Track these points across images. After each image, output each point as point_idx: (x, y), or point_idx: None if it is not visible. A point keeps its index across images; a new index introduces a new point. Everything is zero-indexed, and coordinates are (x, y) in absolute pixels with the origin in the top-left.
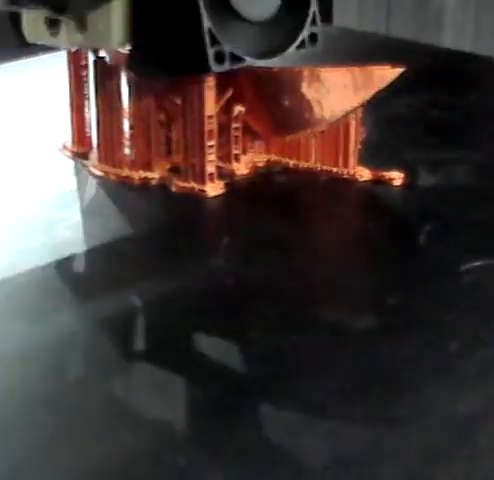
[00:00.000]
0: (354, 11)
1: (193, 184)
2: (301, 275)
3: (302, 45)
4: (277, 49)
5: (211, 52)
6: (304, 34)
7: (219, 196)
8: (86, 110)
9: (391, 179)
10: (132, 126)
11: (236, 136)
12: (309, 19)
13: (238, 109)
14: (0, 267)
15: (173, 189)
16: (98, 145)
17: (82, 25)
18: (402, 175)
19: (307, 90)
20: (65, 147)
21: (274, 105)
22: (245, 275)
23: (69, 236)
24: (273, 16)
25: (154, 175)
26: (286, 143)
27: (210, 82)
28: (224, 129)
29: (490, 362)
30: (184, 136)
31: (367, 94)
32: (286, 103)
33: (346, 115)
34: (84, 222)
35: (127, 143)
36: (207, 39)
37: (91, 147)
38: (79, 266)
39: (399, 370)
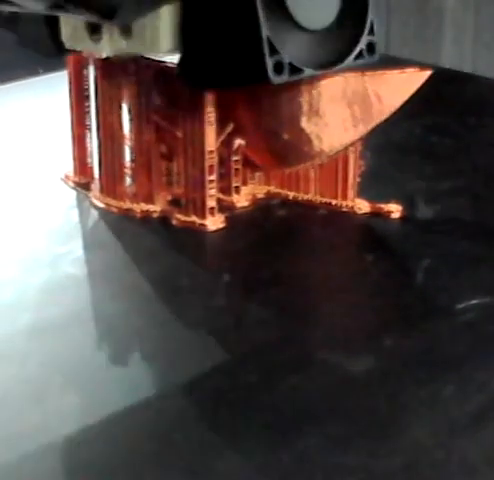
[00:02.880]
0: None
1: (194, 218)
2: (299, 315)
3: (360, 55)
4: (336, 59)
5: (270, 62)
6: (362, 44)
7: (220, 230)
8: (88, 140)
9: (389, 212)
10: (133, 159)
11: (236, 169)
12: (367, 28)
13: (238, 142)
14: (4, 304)
15: (174, 223)
16: (100, 177)
17: (127, 31)
18: (400, 208)
19: (306, 124)
20: (67, 177)
21: (274, 139)
22: (244, 314)
23: (72, 272)
24: (330, 25)
25: (155, 208)
26: (286, 175)
27: (211, 117)
28: (224, 161)
29: (486, 407)
30: (185, 170)
31: (366, 128)
32: (285, 137)
33: (345, 148)
34: (87, 257)
35: (129, 174)
36: (266, 48)
37: (93, 178)
38: (83, 304)
39: (395, 416)
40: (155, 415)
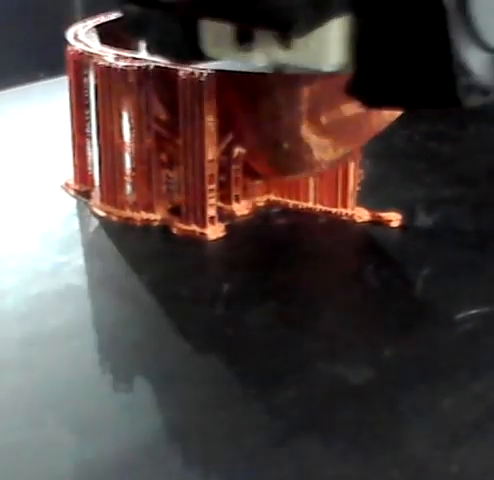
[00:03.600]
0: None
1: (194, 227)
2: (299, 325)
3: None
4: None
5: (462, 84)
6: None
7: (220, 239)
8: (88, 149)
9: (389, 220)
10: (134, 168)
11: (236, 177)
12: None
13: (238, 151)
14: (5, 313)
15: (174, 231)
16: (100, 185)
17: (287, 41)
18: (399, 216)
19: (306, 134)
20: (67, 185)
21: (274, 148)
22: (244, 325)
23: (73, 281)
24: None
25: (156, 217)
26: (286, 183)
27: (211, 127)
28: (224, 170)
29: (484, 418)
30: (185, 179)
31: (365, 137)
32: (286, 146)
33: (345, 158)
34: (87, 266)
35: (129, 182)
36: (458, 70)
37: (93, 185)
38: (83, 314)
39: (394, 427)
40: (155, 426)
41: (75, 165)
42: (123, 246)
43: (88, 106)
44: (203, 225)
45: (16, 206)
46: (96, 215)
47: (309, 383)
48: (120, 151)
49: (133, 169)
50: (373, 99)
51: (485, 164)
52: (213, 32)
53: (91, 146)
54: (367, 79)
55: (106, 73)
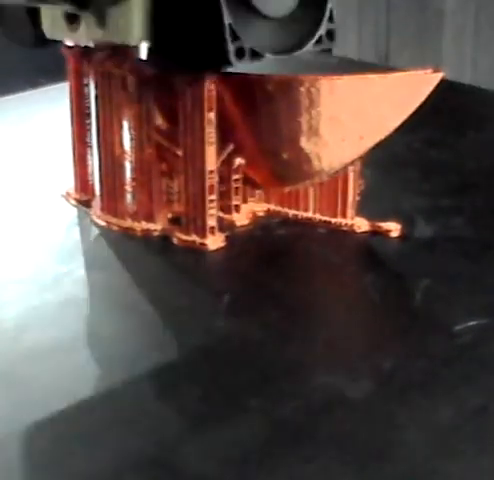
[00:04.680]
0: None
1: (194, 237)
2: (299, 337)
3: (319, 42)
4: (295, 45)
5: (232, 48)
6: (322, 31)
7: (220, 249)
8: (88, 158)
9: (388, 230)
10: (134, 177)
11: (236, 187)
12: (326, 16)
13: (238, 161)
14: (5, 325)
15: (175, 241)
16: (101, 195)
17: (102, 21)
18: (399, 226)
19: (306, 143)
20: (68, 194)
21: (274, 158)
22: (244, 337)
23: (74, 292)
24: (291, 13)
25: (156, 227)
26: (286, 193)
27: (211, 137)
28: (224, 180)
29: (484, 432)
30: (185, 189)
31: (365, 147)
32: (285, 156)
33: (345, 167)
34: (88, 277)
35: (129, 191)
36: (228, 35)
37: (94, 195)
38: (84, 326)
39: (393, 442)
40: (155, 439)
41: (76, 174)
42: (123, 256)
43: (89, 115)
44: (203, 235)
45: (16, 215)
46: (97, 225)
47: (308, 396)
48: (120, 161)
49: (133, 179)
50: (163, 67)
51: (485, 172)
52: (49, 16)
53: (92, 155)
54: (159, 49)
55: (106, 83)
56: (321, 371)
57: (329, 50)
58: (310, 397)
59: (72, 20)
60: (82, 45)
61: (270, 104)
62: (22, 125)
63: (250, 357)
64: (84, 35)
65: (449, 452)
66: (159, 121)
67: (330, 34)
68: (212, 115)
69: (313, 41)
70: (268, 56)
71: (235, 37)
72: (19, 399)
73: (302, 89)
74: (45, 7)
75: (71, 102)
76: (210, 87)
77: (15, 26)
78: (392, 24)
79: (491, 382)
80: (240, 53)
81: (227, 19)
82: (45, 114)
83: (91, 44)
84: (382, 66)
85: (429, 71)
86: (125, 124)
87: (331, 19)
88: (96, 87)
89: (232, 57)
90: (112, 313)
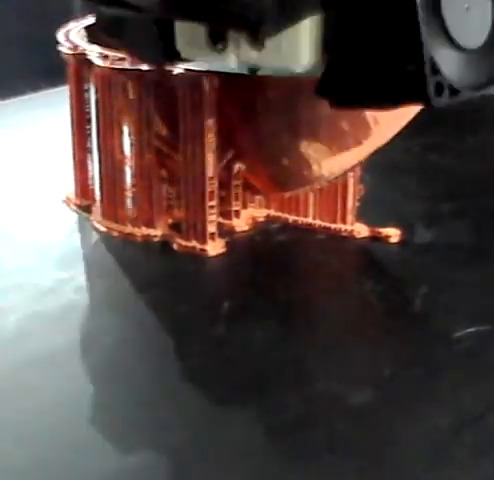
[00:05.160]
0: None
1: (194, 243)
2: (299, 345)
3: None
4: (490, 80)
5: (432, 83)
6: None
7: (220, 255)
8: (89, 163)
9: (388, 236)
10: (134, 183)
11: (236, 193)
12: None
13: (238, 167)
14: (7, 332)
15: (175, 247)
16: (101, 200)
17: (259, 42)
18: (398, 232)
19: (306, 150)
20: (68, 199)
21: (274, 164)
22: (244, 344)
23: (75, 299)
24: (484, 44)
25: (156, 232)
26: (285, 199)
27: (211, 144)
28: (224, 185)
29: (482, 440)
30: (185, 195)
31: (364, 153)
32: (285, 162)
33: (344, 173)
34: (89, 284)
35: (129, 197)
36: (428, 69)
37: (94, 200)
38: (85, 333)
39: (392, 450)
40: (155, 451)
41: (76, 179)
42: (124, 262)
43: (89, 121)
44: (203, 241)
45: (17, 220)
46: (97, 230)
47: (310, 403)
48: (121, 166)
49: (133, 185)
50: (342, 99)
51: (484, 177)
52: (187, 33)
53: (92, 161)
54: (336, 78)
55: (107, 89)
56: (322, 378)
57: None
58: (311, 403)
59: (217, 40)
60: (228, 70)
61: (270, 111)
62: (22, 129)
63: (249, 364)
64: (233, 57)
65: (448, 458)
66: (159, 127)
67: None
68: (212, 122)
69: None
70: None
71: (435, 71)
72: (21, 405)
73: (302, 97)
74: (180, 24)
75: (71, 108)
76: (210, 94)
77: (140, 39)
78: None
79: (490, 389)
80: (439, 89)
81: (428, 51)
82: (45, 118)
83: (240, 69)
84: None
85: None
86: (125, 130)
87: None
88: (96, 93)
89: (431, 93)
90: (112, 320)
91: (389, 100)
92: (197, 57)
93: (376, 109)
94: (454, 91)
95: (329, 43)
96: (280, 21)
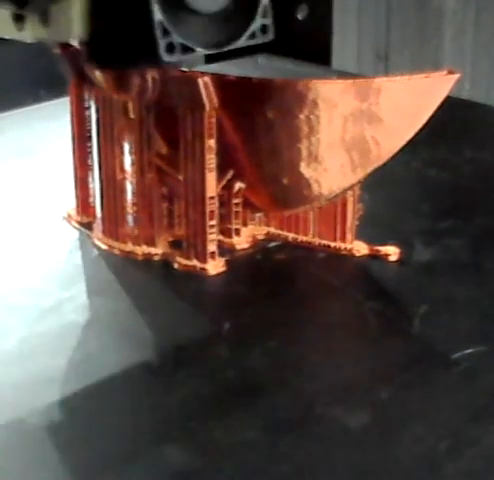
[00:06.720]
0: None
1: (195, 262)
2: (298, 367)
3: (253, 36)
4: (228, 40)
5: (162, 43)
6: (255, 26)
7: (220, 274)
8: (90, 180)
9: (387, 254)
10: (135, 202)
11: (237, 211)
12: (260, 11)
13: (239, 186)
14: (6, 353)
15: (175, 266)
16: (102, 218)
17: (45, 19)
18: (398, 250)
19: (305, 169)
20: (70, 216)
21: (274, 183)
22: (244, 366)
23: (75, 319)
24: (224, 8)
25: (157, 251)
26: (285, 217)
27: (211, 164)
28: (224, 203)
29: (479, 464)
30: (186, 213)
31: (364, 173)
32: (285, 181)
33: (344, 192)
34: (90, 303)
35: (130, 215)
36: (158, 31)
37: (95, 217)
38: (85, 355)
39: (390, 474)
40: (154, 467)
41: (77, 196)
42: (125, 282)
43: (90, 138)
44: (204, 260)
45: (17, 237)
46: (98, 248)
47: (308, 427)
48: (121, 185)
49: (134, 203)
50: (99, 63)
51: (484, 192)
52: None
53: (93, 178)
54: (97, 45)
55: (107, 108)
56: (320, 401)
57: (263, 44)
58: (309, 426)
59: (18, 19)
60: (28, 42)
61: (270, 131)
62: (22, 142)
63: (248, 387)
64: (30, 34)
65: None
66: (160, 146)
67: (264, 29)
68: (212, 142)
69: (246, 35)
70: (199, 51)
71: (165, 33)
72: (23, 427)
73: (302, 116)
74: None
75: (72, 125)
76: (210, 115)
77: None
78: (392, 24)
79: (488, 412)
80: (170, 48)
81: (158, 16)
82: (46, 131)
83: (34, 41)
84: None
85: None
86: (126, 148)
87: (265, 15)
88: (97, 112)
89: (163, 53)
90: (113, 341)
91: (135, 62)
92: (4, 35)
93: (129, 69)
94: (186, 49)
95: (90, 14)
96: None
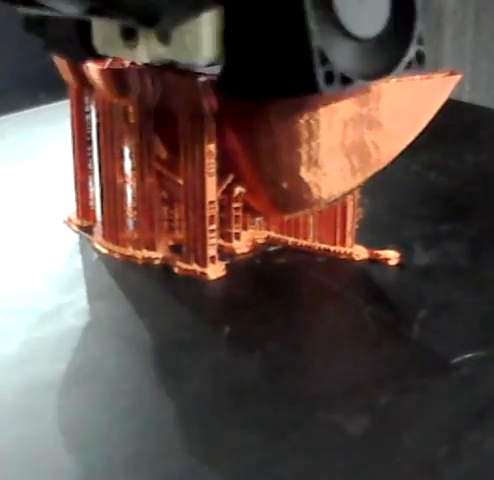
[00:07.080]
0: None
1: (195, 266)
2: (298, 372)
3: (409, 65)
4: (385, 70)
5: (321, 72)
6: (411, 53)
7: (220, 278)
8: (90, 184)
9: (387, 259)
10: (135, 206)
11: (237, 216)
12: (415, 37)
13: (239, 190)
14: (7, 358)
15: (175, 270)
16: (102, 222)
17: (165, 37)
18: (397, 255)
19: (305, 173)
20: (70, 220)
21: (274, 187)
22: (244, 372)
23: (76, 324)
24: (379, 34)
25: (157, 255)
26: (285, 221)
27: (211, 169)
28: (224, 208)
29: (478, 470)
30: (186, 218)
31: (364, 177)
32: (285, 186)
33: (344, 196)
34: (90, 308)
35: (130, 219)
36: (316, 58)
37: (95, 221)
38: (86, 359)
39: (389, 478)
40: (157, 471)
41: (77, 200)
42: (125, 286)
43: (90, 143)
44: (204, 265)
45: (17, 241)
46: (98, 252)
47: (308, 432)
48: (121, 189)
49: (134, 208)
50: (240, 91)
51: (484, 196)
52: (103, 30)
53: (93, 182)
54: (234, 72)
55: (108, 113)
56: (319, 406)
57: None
58: (309, 430)
59: (129, 36)
60: (139, 63)
61: (270, 135)
62: (22, 146)
63: (247, 393)
64: (143, 53)
65: None
66: (160, 150)
67: (420, 57)
68: (212, 147)
69: (403, 65)
70: (359, 82)
71: (324, 60)
72: (22, 432)
73: (302, 121)
74: (101, 21)
75: (72, 129)
76: (210, 120)
77: (61, 37)
78: None
79: (488, 417)
80: (329, 78)
81: (316, 41)
82: (46, 135)
83: (150, 61)
84: None
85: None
86: (126, 152)
87: (421, 41)
88: (97, 116)
89: (321, 82)
90: (114, 346)
91: (284, 91)
92: (112, 53)
93: (275, 100)
94: (346, 80)
95: (227, 36)
96: (177, 16)
